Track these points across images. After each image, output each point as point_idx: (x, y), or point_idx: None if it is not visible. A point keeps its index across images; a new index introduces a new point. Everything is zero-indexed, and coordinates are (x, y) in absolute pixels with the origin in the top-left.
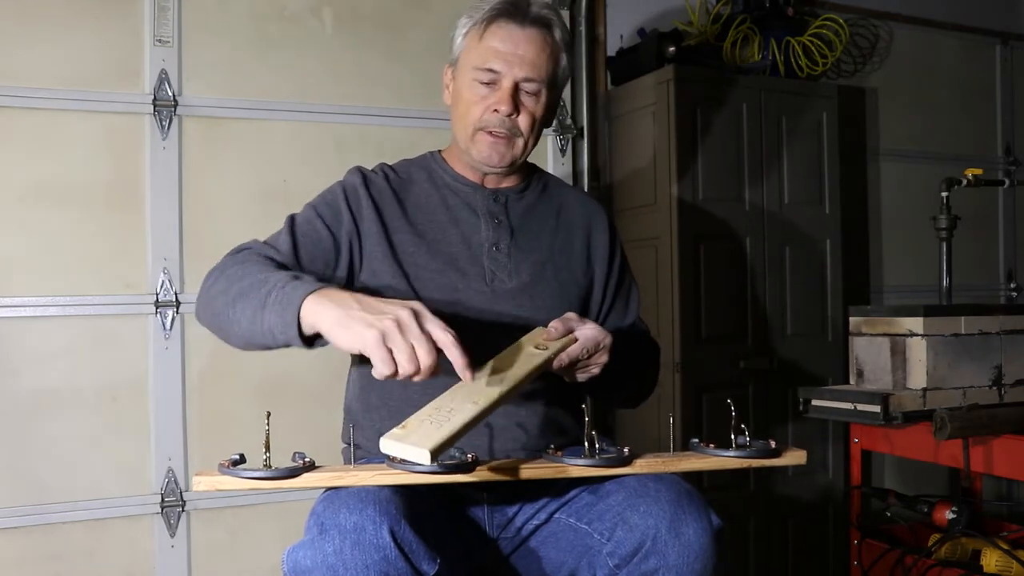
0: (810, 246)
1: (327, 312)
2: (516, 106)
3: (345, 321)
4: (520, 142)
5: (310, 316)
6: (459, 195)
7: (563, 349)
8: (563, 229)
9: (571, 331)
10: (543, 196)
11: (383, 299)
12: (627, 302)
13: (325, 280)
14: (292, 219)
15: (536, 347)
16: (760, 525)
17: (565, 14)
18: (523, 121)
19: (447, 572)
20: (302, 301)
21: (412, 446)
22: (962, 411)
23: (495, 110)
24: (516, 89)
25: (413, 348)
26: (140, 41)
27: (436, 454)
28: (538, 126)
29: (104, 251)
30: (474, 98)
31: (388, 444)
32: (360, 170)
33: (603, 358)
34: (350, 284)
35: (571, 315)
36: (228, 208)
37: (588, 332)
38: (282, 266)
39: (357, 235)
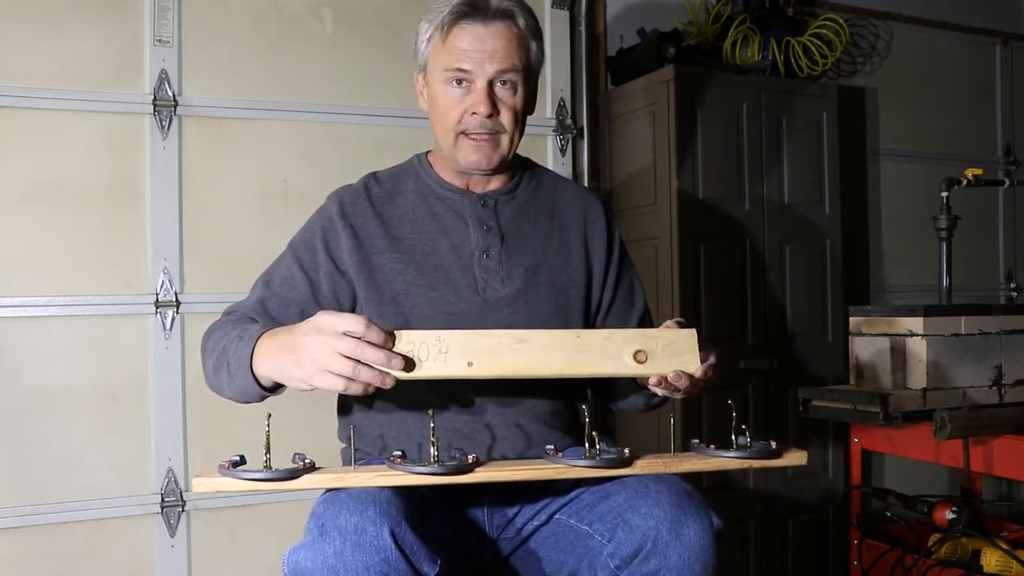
0: (810, 246)
1: (271, 369)
2: (494, 104)
3: (288, 373)
4: (505, 139)
5: (262, 372)
6: (446, 202)
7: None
8: (557, 228)
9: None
10: (535, 195)
11: (291, 330)
12: (631, 296)
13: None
14: (268, 271)
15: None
16: (760, 525)
17: (565, 14)
18: (505, 118)
19: (447, 573)
20: (251, 365)
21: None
22: (962, 411)
23: (473, 113)
24: (491, 87)
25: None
26: (140, 41)
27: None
28: (521, 119)
29: (104, 251)
30: (450, 102)
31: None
32: (339, 197)
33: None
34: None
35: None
36: (228, 208)
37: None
38: (254, 320)
39: (339, 273)
